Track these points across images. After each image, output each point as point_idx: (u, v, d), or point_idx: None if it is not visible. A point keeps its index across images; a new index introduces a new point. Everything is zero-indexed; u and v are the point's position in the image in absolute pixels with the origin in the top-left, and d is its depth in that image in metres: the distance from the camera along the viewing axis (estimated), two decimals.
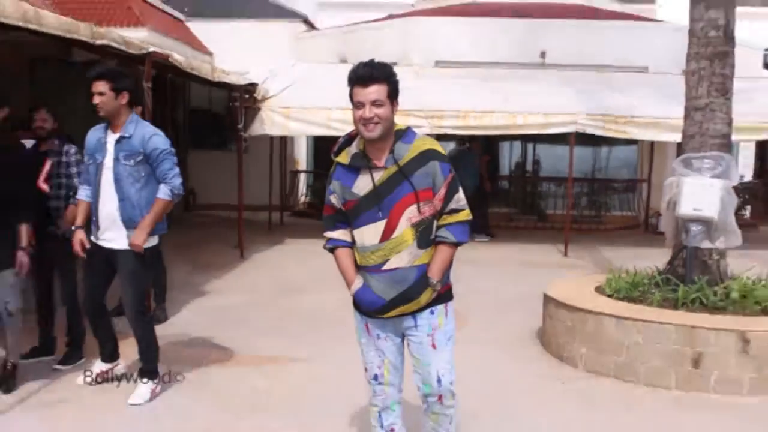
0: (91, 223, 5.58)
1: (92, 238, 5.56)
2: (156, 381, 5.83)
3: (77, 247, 5.49)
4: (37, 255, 6.21)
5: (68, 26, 7.25)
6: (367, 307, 3.97)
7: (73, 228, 5.55)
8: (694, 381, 6.30)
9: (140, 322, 5.73)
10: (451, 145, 15.34)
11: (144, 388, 5.73)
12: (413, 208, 3.82)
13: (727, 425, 5.65)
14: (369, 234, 3.86)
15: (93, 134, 5.55)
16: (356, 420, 5.40)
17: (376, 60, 3.86)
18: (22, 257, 5.48)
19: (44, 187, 6.40)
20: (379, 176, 3.84)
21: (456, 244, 3.94)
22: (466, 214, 3.95)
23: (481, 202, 15.19)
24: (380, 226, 3.83)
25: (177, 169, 5.56)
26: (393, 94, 3.81)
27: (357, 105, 3.77)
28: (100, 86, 5.27)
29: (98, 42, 7.82)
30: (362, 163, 3.88)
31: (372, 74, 3.77)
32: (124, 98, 5.38)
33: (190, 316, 8.50)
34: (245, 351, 7.23)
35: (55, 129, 6.58)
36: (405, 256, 3.84)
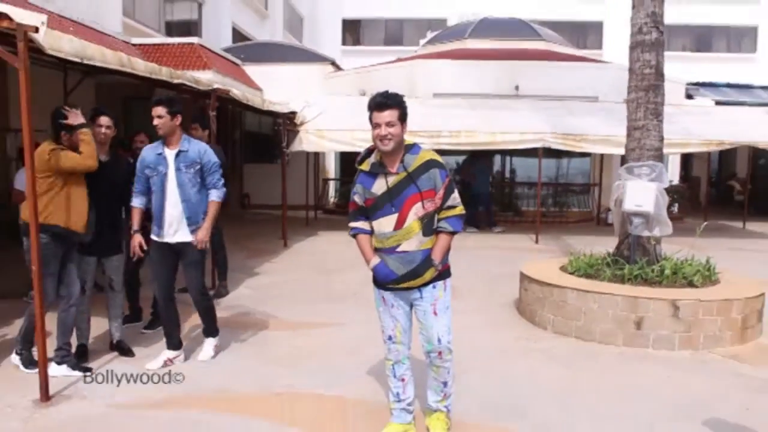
0: (152, 225, 5.47)
1: (155, 237, 5.43)
2: (217, 338, 5.83)
3: (136, 249, 5.38)
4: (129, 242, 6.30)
5: (152, 69, 7.27)
6: (383, 279, 4.02)
7: (132, 232, 5.42)
8: (636, 339, 6.26)
9: (203, 299, 5.67)
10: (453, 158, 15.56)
11: (208, 346, 5.74)
12: (419, 204, 3.90)
13: (661, 372, 5.61)
14: (385, 224, 3.94)
15: (149, 152, 5.42)
16: (373, 371, 5.38)
17: (390, 91, 3.95)
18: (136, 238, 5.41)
19: None
20: (392, 180, 3.93)
21: (453, 233, 4.01)
22: (460, 210, 4.02)
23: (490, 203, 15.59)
24: (393, 218, 3.92)
25: (222, 179, 5.54)
26: (402, 117, 3.91)
27: (375, 126, 3.88)
28: (159, 110, 5.22)
29: (176, 81, 7.84)
30: (379, 170, 3.97)
31: (386, 102, 3.89)
32: (178, 120, 5.31)
33: (246, 291, 8.50)
34: (287, 318, 7.22)
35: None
36: (413, 242, 3.92)
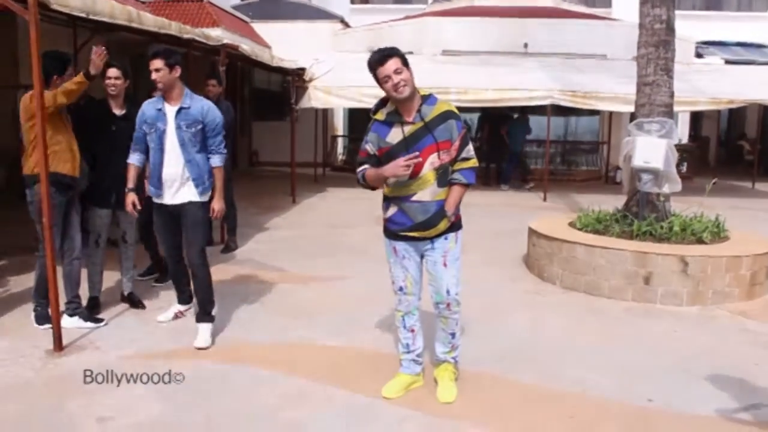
0: (150, 184, 5.07)
1: (154, 198, 5.05)
2: (212, 324, 5.19)
3: (129, 207, 5.04)
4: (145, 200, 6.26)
5: (161, 24, 7.16)
6: (399, 226, 3.96)
7: (126, 190, 5.04)
8: (645, 294, 6.22)
9: (201, 264, 5.13)
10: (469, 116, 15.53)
11: (206, 331, 5.07)
12: (434, 155, 3.82)
13: (667, 327, 5.58)
14: (404, 168, 3.77)
15: (149, 106, 4.99)
16: (383, 323, 5.37)
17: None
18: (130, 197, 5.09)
19: None
20: (408, 129, 3.84)
21: (466, 185, 3.96)
22: (474, 162, 3.97)
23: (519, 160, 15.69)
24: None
25: (224, 142, 5.17)
26: (405, 63, 3.80)
27: (384, 79, 3.77)
28: (157, 63, 4.79)
29: (185, 36, 7.73)
30: (395, 119, 3.87)
31: (384, 54, 3.80)
32: (177, 72, 4.88)
33: (256, 246, 8.48)
34: (296, 271, 7.21)
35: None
36: (428, 192, 3.86)
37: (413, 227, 3.92)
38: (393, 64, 3.74)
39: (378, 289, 6.07)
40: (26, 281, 6.20)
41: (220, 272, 6.98)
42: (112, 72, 5.39)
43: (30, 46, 4.37)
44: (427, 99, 3.91)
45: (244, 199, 11.33)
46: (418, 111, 3.85)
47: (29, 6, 4.29)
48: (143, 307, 5.74)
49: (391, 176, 3.80)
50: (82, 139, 5.20)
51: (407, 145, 3.82)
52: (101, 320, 5.31)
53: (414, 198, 3.87)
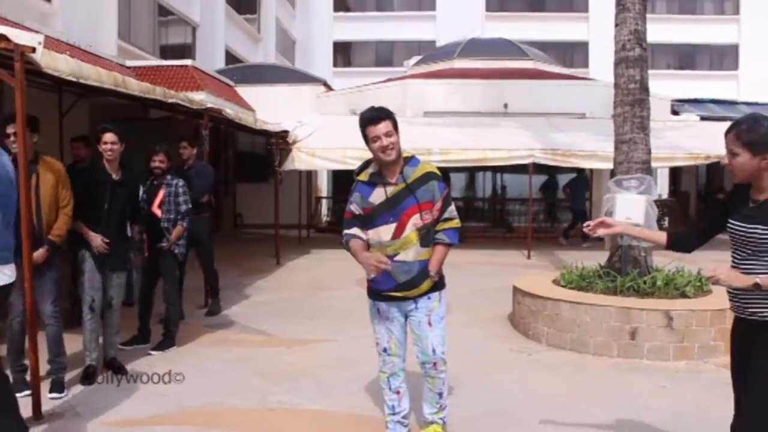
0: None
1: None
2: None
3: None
4: (148, 263, 6.47)
5: (146, 89, 7.22)
6: (382, 286, 3.94)
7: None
8: (630, 350, 6.20)
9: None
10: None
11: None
12: (417, 216, 3.86)
13: (656, 383, 5.54)
14: (384, 232, 3.88)
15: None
16: (368, 386, 5.29)
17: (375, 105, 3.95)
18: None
19: (157, 211, 6.43)
20: (390, 190, 3.89)
21: (449, 245, 3.96)
22: (456, 222, 4.00)
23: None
24: (392, 227, 3.87)
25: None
26: (396, 126, 3.86)
27: (374, 139, 3.83)
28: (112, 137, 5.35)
29: (169, 100, 7.80)
30: (378, 180, 3.93)
31: (378, 114, 3.86)
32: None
33: (239, 309, 8.39)
34: (280, 335, 7.12)
35: (168, 167, 6.57)
36: (411, 253, 3.88)
37: (396, 287, 3.91)
38: (384, 126, 3.81)
39: (362, 352, 6.02)
40: None
41: (202, 335, 6.91)
42: (109, 137, 5.38)
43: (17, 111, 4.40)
44: (410, 161, 3.96)
45: (227, 261, 11.28)
46: (401, 172, 3.90)
47: (16, 73, 4.34)
48: (125, 372, 5.60)
49: (363, 265, 3.80)
50: (79, 202, 5.22)
51: (390, 205, 3.86)
52: (62, 391, 5.08)
53: (397, 258, 3.86)
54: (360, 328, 6.96)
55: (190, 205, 6.67)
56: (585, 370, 5.89)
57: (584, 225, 3.42)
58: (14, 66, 4.34)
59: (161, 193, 6.45)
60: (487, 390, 5.32)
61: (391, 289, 3.93)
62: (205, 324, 7.49)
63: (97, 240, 5.31)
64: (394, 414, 4.17)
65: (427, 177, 3.92)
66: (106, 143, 5.39)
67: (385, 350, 4.07)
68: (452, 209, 3.99)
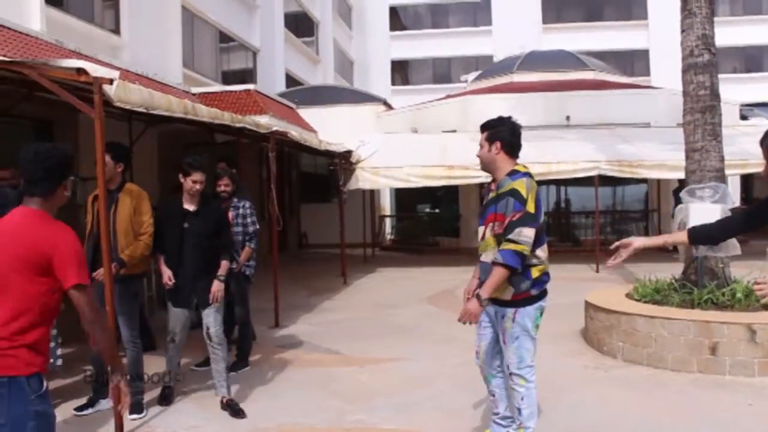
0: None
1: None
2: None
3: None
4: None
5: (215, 114, 7.37)
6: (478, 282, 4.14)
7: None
8: (711, 366, 5.98)
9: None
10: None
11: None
12: (492, 224, 4.02)
13: (741, 399, 5.33)
14: (479, 232, 4.21)
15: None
16: (442, 404, 5.25)
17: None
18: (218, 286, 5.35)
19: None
20: (489, 196, 4.17)
21: (504, 265, 3.82)
22: (520, 247, 3.83)
23: None
24: (481, 229, 4.16)
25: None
26: (490, 138, 4.13)
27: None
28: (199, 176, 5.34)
29: (237, 125, 7.95)
30: (488, 187, 4.30)
31: (483, 126, 4.27)
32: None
33: (309, 328, 8.45)
34: (351, 353, 7.13)
35: (234, 190, 6.66)
36: (489, 255, 4.01)
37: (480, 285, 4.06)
38: (480, 138, 4.18)
39: (434, 370, 5.99)
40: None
41: (275, 355, 6.97)
42: (198, 177, 5.32)
43: (96, 141, 4.56)
44: (513, 174, 4.01)
45: (294, 282, 11.42)
46: (499, 183, 4.07)
47: (95, 105, 4.51)
48: (244, 416, 5.20)
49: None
50: (156, 236, 5.31)
51: (483, 210, 4.21)
52: (141, 411, 5.21)
53: (482, 258, 4.13)
54: (430, 346, 6.95)
55: (258, 227, 6.76)
56: (664, 387, 5.71)
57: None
58: (94, 98, 4.52)
59: (230, 215, 6.52)
60: (564, 408, 5.20)
61: (479, 286, 4.08)
62: (277, 345, 7.57)
63: (164, 276, 5.36)
64: (493, 414, 4.38)
65: (510, 192, 3.92)
66: (195, 182, 5.30)
67: (476, 353, 4.34)
68: (520, 231, 3.81)
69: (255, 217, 6.72)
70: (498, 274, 3.83)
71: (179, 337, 5.46)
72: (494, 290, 3.87)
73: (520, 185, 3.90)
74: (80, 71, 4.43)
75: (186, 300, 5.41)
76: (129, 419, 4.98)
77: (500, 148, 4.06)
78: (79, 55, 10.45)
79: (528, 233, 3.84)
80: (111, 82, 4.55)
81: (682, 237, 3.31)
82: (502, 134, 4.10)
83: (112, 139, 5.29)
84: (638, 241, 3.44)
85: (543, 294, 4.13)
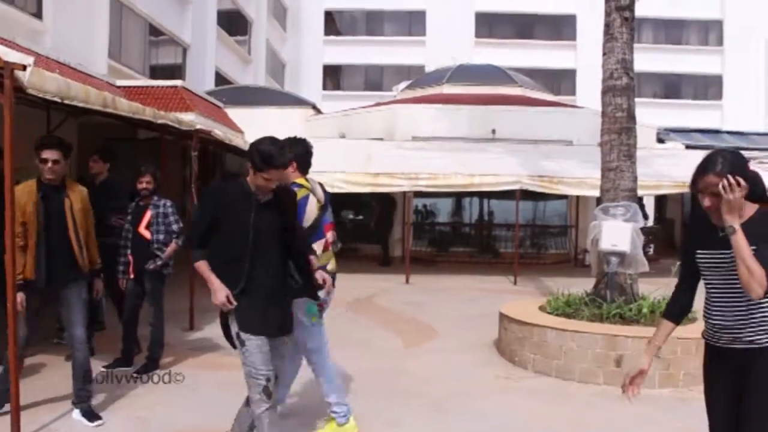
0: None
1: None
2: None
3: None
4: (134, 285, 6.40)
5: (136, 109, 7.18)
6: None
7: None
8: (616, 378, 6.16)
9: None
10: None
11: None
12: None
13: (641, 411, 5.52)
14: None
15: None
16: (356, 410, 5.25)
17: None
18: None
19: (145, 233, 6.36)
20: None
21: None
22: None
23: None
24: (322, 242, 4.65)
25: None
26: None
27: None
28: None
29: (159, 121, 7.77)
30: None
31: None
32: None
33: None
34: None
35: (155, 188, 6.49)
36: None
37: None
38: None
39: (350, 377, 5.97)
40: None
41: (187, 359, 6.84)
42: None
43: (5, 129, 4.38)
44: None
45: (205, 284, 11.17)
46: None
47: (5, 89, 4.31)
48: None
49: None
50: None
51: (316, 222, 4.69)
52: (99, 418, 5.00)
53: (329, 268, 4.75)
54: (344, 351, 6.93)
55: (182, 224, 6.64)
56: (571, 398, 5.88)
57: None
58: (4, 83, 4.33)
59: (149, 214, 6.39)
60: (473, 416, 5.29)
61: None
62: (191, 348, 7.42)
63: (219, 294, 3.83)
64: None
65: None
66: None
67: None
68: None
69: (178, 216, 6.59)
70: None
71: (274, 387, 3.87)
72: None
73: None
74: None
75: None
76: (86, 424, 4.85)
77: (296, 167, 4.58)
78: None
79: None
80: (24, 68, 4.37)
81: (664, 328, 3.36)
82: (295, 156, 4.60)
83: (27, 127, 5.10)
84: (647, 362, 3.39)
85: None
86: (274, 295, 3.85)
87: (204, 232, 3.88)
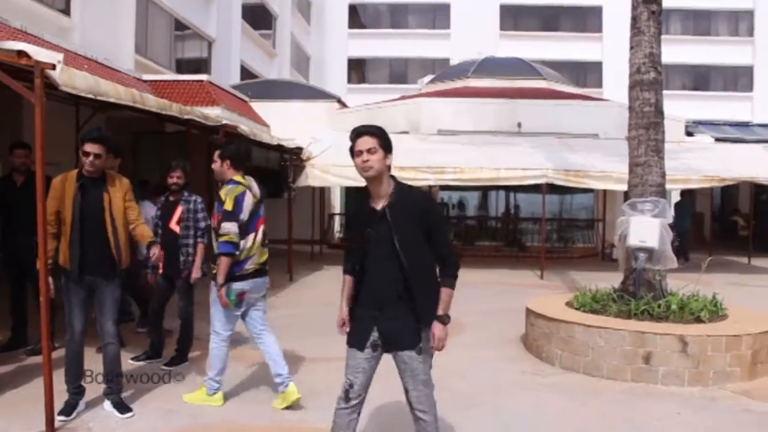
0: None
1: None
2: None
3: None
4: (163, 279, 6.47)
5: (163, 105, 7.28)
6: None
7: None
8: (644, 375, 6.15)
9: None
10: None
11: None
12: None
13: (670, 409, 5.49)
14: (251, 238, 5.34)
15: None
16: (373, 404, 5.27)
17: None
18: None
19: (175, 228, 6.39)
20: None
21: (222, 254, 4.99)
22: (228, 237, 4.97)
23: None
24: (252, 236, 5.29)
25: None
26: (221, 157, 5.21)
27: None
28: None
29: (185, 116, 7.85)
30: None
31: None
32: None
33: None
34: (294, 352, 7.11)
35: (186, 184, 6.50)
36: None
37: None
38: (215, 154, 5.05)
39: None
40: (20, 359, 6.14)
41: None
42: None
43: (35, 126, 4.44)
44: (227, 183, 5.11)
45: None
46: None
47: (36, 89, 4.38)
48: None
49: None
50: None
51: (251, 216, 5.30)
52: (130, 410, 5.08)
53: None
54: None
55: (209, 222, 6.67)
56: (598, 395, 5.84)
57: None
58: (34, 82, 4.39)
59: (179, 210, 6.41)
60: (500, 412, 5.28)
61: None
62: None
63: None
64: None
65: (217, 198, 5.15)
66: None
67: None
68: (225, 227, 4.95)
69: (206, 213, 6.62)
70: (220, 261, 4.93)
71: (356, 392, 3.70)
72: (222, 274, 4.95)
73: (223, 191, 5.03)
74: (21, 54, 4.30)
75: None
76: (120, 418, 4.92)
77: (230, 165, 5.15)
78: (25, 35, 10.17)
79: (228, 227, 4.93)
80: (54, 67, 4.43)
81: None
82: (229, 154, 5.18)
83: (55, 123, 5.17)
84: None
85: (245, 276, 5.16)
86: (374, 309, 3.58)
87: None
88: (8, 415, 4.91)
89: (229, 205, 4.96)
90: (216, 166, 5.20)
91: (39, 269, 4.55)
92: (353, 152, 3.66)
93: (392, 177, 3.62)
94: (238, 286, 5.11)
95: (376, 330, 3.54)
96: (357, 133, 3.68)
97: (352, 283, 3.66)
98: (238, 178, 5.15)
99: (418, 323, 3.48)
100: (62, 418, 4.79)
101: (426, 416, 3.58)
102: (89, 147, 4.80)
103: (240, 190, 5.06)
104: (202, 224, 6.46)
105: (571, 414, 5.32)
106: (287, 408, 5.21)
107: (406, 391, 3.60)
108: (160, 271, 6.41)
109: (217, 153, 5.21)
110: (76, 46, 12.34)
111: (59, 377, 4.92)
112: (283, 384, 5.29)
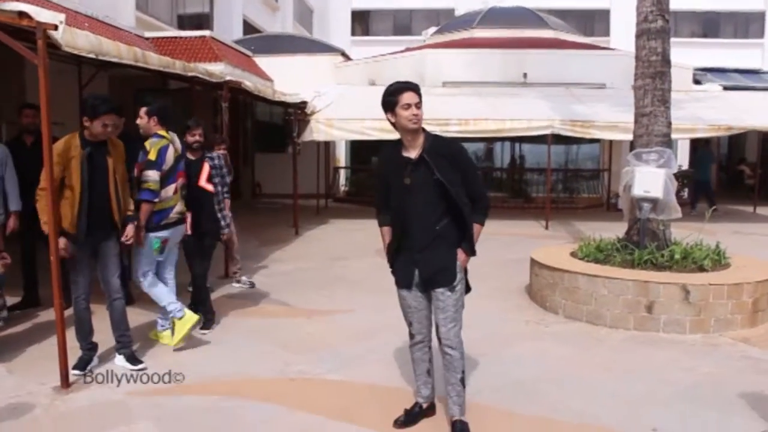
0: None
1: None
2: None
3: None
4: (196, 241, 6.16)
5: (167, 63, 7.26)
6: None
7: None
8: (647, 323, 6.24)
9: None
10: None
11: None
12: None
13: (671, 356, 5.59)
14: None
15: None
16: (387, 356, 5.38)
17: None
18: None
19: (208, 186, 6.25)
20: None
21: (142, 201, 5.33)
22: (149, 185, 5.33)
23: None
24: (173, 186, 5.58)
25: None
26: (148, 114, 5.64)
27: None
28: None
29: (189, 74, 7.83)
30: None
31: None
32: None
33: (260, 279, 8.47)
34: (300, 305, 7.23)
35: (205, 142, 6.49)
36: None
37: None
38: (141, 111, 5.57)
39: (381, 322, 6.11)
40: (34, 317, 6.28)
41: (224, 306, 7.01)
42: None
43: (39, 87, 4.46)
44: (153, 137, 5.47)
45: (247, 231, 11.42)
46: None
47: (39, 51, 4.38)
48: None
49: None
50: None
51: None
52: (141, 362, 5.19)
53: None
54: (377, 298, 7.07)
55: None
56: (601, 343, 5.94)
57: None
58: (37, 43, 4.39)
59: (206, 167, 6.27)
60: (504, 361, 5.39)
61: None
62: (226, 295, 7.62)
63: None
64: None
65: (142, 148, 5.46)
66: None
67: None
68: (146, 175, 5.32)
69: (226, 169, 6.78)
70: (141, 208, 5.26)
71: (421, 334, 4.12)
72: (143, 221, 5.30)
73: (148, 143, 5.41)
74: (23, 15, 4.28)
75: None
76: (131, 370, 5.05)
77: (156, 121, 5.52)
78: None
79: (150, 174, 5.31)
80: (56, 27, 4.42)
81: None
82: (156, 111, 5.54)
83: (58, 83, 5.19)
84: None
85: (164, 227, 5.49)
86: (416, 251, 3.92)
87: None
88: (24, 372, 5.04)
89: (153, 155, 5.37)
90: (143, 122, 5.60)
91: (48, 230, 4.62)
92: (394, 105, 3.89)
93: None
94: (162, 234, 5.50)
95: (417, 271, 3.90)
96: (402, 88, 3.93)
97: (392, 234, 4.03)
98: (162, 132, 5.53)
99: (454, 262, 3.90)
100: (77, 372, 4.93)
101: (453, 352, 3.91)
102: (110, 119, 4.84)
103: (164, 143, 5.47)
104: (228, 178, 6.88)
105: (575, 362, 5.42)
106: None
107: (437, 328, 3.95)
108: (189, 231, 6.00)
109: (144, 110, 5.59)
110: (76, 4, 12.23)
111: (72, 334, 5.05)
112: (178, 310, 5.52)
